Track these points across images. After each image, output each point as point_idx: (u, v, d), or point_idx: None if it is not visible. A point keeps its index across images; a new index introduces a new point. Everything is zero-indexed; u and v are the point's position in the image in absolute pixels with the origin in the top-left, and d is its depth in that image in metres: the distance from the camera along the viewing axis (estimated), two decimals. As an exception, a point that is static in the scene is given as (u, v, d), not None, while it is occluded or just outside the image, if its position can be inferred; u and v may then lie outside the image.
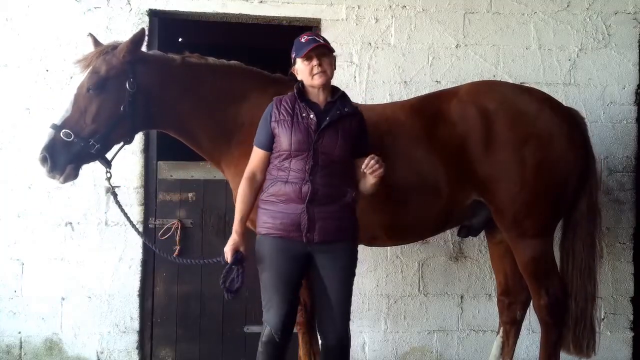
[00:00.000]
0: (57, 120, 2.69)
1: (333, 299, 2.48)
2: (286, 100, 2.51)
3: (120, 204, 2.93)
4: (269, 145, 2.49)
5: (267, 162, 2.51)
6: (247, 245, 2.49)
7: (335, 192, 2.46)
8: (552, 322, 2.88)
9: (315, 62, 2.43)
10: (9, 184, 3.69)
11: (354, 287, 3.74)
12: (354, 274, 2.58)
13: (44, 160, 2.65)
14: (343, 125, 2.48)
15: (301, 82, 2.54)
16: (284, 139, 2.43)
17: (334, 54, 2.55)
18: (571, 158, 2.82)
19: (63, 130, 2.65)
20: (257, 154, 2.53)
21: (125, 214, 2.93)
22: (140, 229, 3.73)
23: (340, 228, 2.48)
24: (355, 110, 2.57)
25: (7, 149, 3.70)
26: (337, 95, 2.54)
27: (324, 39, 2.52)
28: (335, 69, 2.56)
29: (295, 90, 2.51)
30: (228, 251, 2.46)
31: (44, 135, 2.70)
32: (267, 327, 2.50)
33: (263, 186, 2.52)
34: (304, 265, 2.48)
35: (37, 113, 3.70)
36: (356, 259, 2.58)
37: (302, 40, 2.47)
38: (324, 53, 2.47)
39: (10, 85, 3.71)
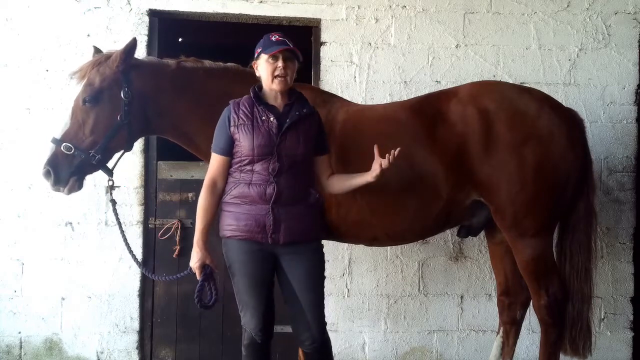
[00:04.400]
0: (58, 134, 2.72)
1: (304, 303, 2.46)
2: (244, 104, 2.48)
3: (118, 215, 2.93)
4: (229, 151, 2.47)
5: (227, 168, 2.49)
6: (213, 255, 2.49)
7: (300, 193, 2.48)
8: (551, 322, 2.88)
9: (280, 63, 2.41)
10: (9, 184, 3.69)
11: (354, 287, 3.76)
12: (323, 276, 2.58)
13: (47, 174, 2.70)
14: (303, 127, 2.49)
15: (257, 85, 2.53)
16: (246, 144, 2.41)
17: (298, 63, 2.52)
18: (571, 158, 2.82)
19: (63, 144, 2.67)
20: (217, 161, 2.50)
21: (122, 229, 2.93)
22: (140, 229, 3.75)
23: (305, 229, 2.49)
24: (313, 110, 2.58)
25: (8, 149, 3.70)
26: (294, 97, 2.53)
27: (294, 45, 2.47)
28: (295, 77, 2.53)
29: (252, 94, 2.49)
30: (196, 268, 2.43)
31: (47, 150, 2.73)
32: (246, 330, 2.50)
33: (225, 188, 2.50)
34: (272, 264, 2.48)
35: (37, 113, 3.70)
36: (323, 260, 2.58)
37: (273, 38, 2.45)
38: (290, 58, 2.45)
39: (10, 85, 3.71)
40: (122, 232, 2.91)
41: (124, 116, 2.73)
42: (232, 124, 2.45)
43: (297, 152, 2.46)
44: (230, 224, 2.45)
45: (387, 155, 2.46)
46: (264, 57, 2.44)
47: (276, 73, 2.42)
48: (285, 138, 2.43)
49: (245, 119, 2.44)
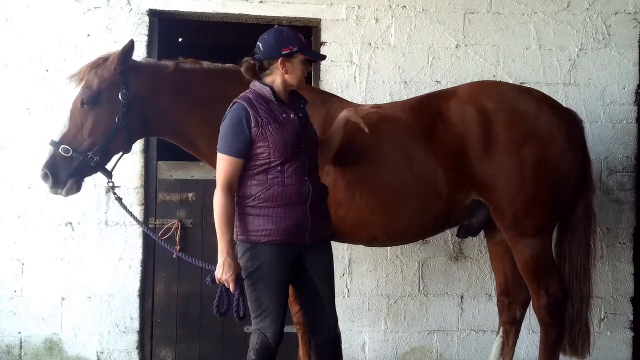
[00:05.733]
0: (56, 137, 2.71)
1: (324, 295, 2.49)
2: (259, 102, 2.36)
3: (127, 206, 2.91)
4: (248, 153, 2.32)
5: (241, 171, 2.35)
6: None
7: (322, 189, 2.49)
8: (551, 322, 2.88)
9: (310, 68, 2.46)
10: (9, 184, 3.69)
11: (354, 287, 3.77)
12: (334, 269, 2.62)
13: (45, 176, 2.70)
14: (309, 119, 2.52)
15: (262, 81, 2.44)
16: (277, 145, 2.29)
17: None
18: (570, 158, 2.82)
19: (62, 146, 2.67)
20: (233, 164, 2.31)
21: (134, 216, 2.91)
22: (140, 229, 3.72)
23: (328, 225, 2.53)
24: (306, 100, 2.57)
25: (8, 149, 3.70)
26: (293, 93, 2.51)
27: None
28: None
29: (269, 91, 2.37)
30: (231, 280, 2.28)
31: (45, 152, 2.73)
32: (260, 335, 2.38)
33: (247, 192, 2.35)
34: (296, 266, 2.44)
35: (37, 113, 3.71)
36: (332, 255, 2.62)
37: (304, 39, 2.41)
38: None
39: (10, 85, 3.71)
40: (131, 214, 2.90)
41: (122, 118, 2.72)
42: (254, 124, 2.29)
43: (314, 147, 2.47)
44: (266, 229, 2.31)
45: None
46: (300, 58, 2.37)
47: (304, 76, 2.45)
48: (305, 134, 2.40)
49: (269, 118, 2.32)
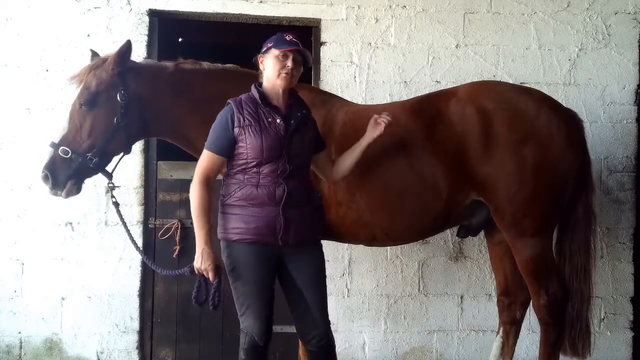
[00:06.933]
0: (56, 138, 2.72)
1: (311, 301, 2.47)
2: (247, 104, 2.42)
3: (122, 215, 2.89)
4: (229, 152, 2.41)
5: (221, 168, 2.45)
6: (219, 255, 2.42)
7: (306, 194, 2.48)
8: (551, 321, 2.88)
9: (290, 63, 2.39)
10: (9, 184, 3.69)
11: (354, 287, 3.76)
12: (325, 275, 2.59)
13: (45, 178, 2.71)
14: (305, 127, 2.50)
15: (259, 83, 2.50)
16: (254, 146, 2.35)
17: (303, 69, 2.52)
18: (570, 158, 2.82)
19: (61, 148, 2.68)
20: (213, 160, 2.41)
21: (128, 230, 2.87)
22: (140, 229, 3.75)
23: (312, 229, 2.52)
24: (309, 109, 2.58)
25: (8, 149, 3.70)
26: (292, 98, 2.52)
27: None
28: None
29: (257, 94, 2.44)
30: (210, 270, 2.34)
31: (46, 152, 2.73)
32: (248, 334, 2.43)
33: (224, 190, 2.44)
34: (276, 267, 2.46)
35: (37, 113, 3.71)
36: (324, 260, 2.59)
37: (287, 38, 2.41)
38: (299, 61, 2.44)
39: (10, 85, 3.71)
40: (127, 231, 2.86)
41: (120, 119, 2.72)
42: (236, 124, 2.38)
43: (303, 153, 2.46)
44: (236, 227, 2.38)
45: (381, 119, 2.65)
46: (274, 53, 2.40)
47: (283, 71, 2.39)
48: (292, 140, 2.41)
49: (251, 120, 2.38)
